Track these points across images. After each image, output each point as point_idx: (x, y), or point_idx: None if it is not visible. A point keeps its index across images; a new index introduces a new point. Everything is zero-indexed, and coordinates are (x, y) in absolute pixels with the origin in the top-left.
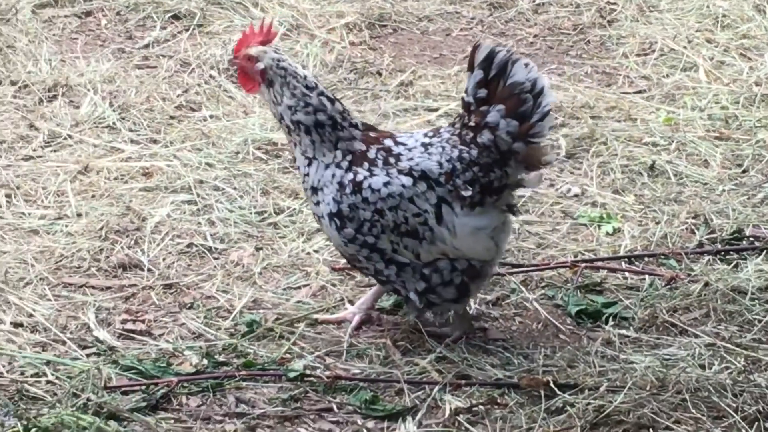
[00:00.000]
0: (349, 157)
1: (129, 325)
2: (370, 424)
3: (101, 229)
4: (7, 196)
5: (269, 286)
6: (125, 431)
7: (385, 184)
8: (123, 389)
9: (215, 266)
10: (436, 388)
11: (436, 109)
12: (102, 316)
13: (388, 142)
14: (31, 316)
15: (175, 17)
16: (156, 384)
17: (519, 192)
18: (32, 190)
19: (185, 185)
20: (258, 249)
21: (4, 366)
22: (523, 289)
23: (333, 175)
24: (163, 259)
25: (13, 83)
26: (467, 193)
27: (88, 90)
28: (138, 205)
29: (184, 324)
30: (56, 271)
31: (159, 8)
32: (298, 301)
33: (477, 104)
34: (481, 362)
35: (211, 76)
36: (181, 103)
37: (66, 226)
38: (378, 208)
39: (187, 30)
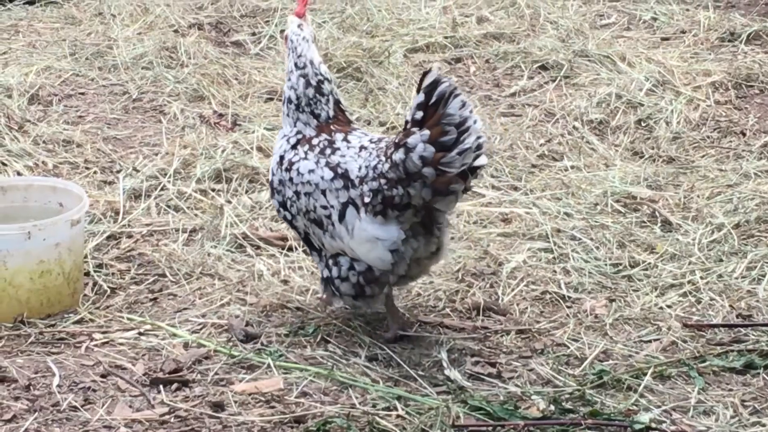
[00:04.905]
0: (299, 136)
1: (479, 367)
2: None
3: (458, 271)
4: None
5: (620, 337)
6: None
7: (309, 171)
8: (470, 429)
9: (567, 314)
10: None
11: None
12: (454, 356)
13: (338, 136)
14: (383, 350)
15: (543, 68)
16: (503, 426)
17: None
18: None
19: (542, 233)
20: (611, 300)
21: (357, 398)
22: None
23: (280, 146)
24: (517, 305)
25: (381, 124)
26: (367, 199)
27: None
28: (495, 250)
29: (533, 369)
30: (412, 309)
31: (527, 58)
32: (648, 355)
33: (412, 124)
34: None
35: (574, 127)
36: (544, 152)
37: None
38: (297, 190)
39: (553, 81)
